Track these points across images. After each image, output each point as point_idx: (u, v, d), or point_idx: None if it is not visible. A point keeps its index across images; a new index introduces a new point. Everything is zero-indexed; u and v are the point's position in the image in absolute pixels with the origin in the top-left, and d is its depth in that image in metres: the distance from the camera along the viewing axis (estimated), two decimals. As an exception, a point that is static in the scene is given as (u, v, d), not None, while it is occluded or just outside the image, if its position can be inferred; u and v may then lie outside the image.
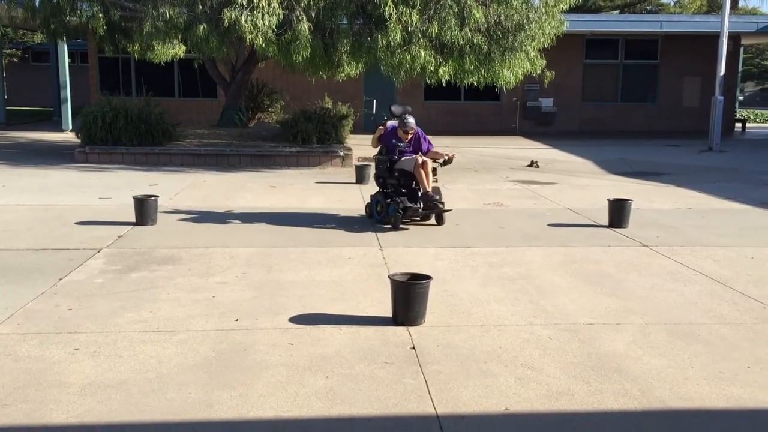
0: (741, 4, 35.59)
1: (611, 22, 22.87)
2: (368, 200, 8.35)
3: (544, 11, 12.32)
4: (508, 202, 9.39)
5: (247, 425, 3.21)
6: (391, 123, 7.98)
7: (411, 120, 7.78)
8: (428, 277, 4.61)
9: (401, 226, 7.49)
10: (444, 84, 12.76)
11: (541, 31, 12.29)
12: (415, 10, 11.38)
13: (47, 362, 3.85)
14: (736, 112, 26.06)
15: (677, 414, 3.39)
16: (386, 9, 11.20)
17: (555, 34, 12.75)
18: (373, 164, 11.86)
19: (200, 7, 11.71)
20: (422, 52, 11.54)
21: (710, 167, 13.61)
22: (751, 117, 30.15)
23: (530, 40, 12.29)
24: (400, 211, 7.45)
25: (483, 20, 11.75)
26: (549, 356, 4.04)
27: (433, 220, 7.75)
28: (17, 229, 7.19)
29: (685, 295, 5.29)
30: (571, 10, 13.95)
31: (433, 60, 11.78)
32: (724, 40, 16.88)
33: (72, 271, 5.65)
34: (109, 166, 12.58)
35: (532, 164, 13.62)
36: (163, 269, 5.78)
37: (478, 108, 22.18)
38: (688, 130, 21.90)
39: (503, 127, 21.93)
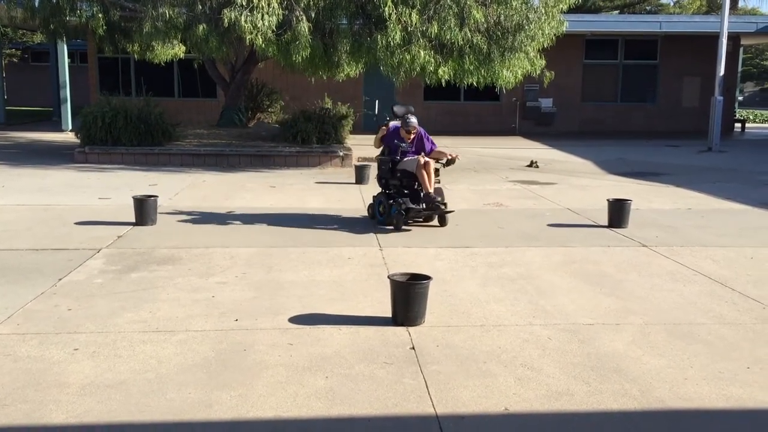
0: (740, 4, 35.61)
1: (611, 23, 22.89)
2: (368, 200, 8.36)
3: (543, 11, 12.33)
4: (507, 203, 9.39)
5: (246, 425, 3.21)
6: (393, 123, 7.92)
7: (413, 120, 7.72)
8: (428, 278, 4.61)
9: (403, 227, 7.45)
10: (444, 84, 12.77)
11: (540, 31, 12.29)
12: (414, 11, 11.38)
13: (47, 362, 3.85)
14: (735, 112, 26.06)
15: (677, 414, 3.40)
16: (386, 9, 11.20)
17: (554, 35, 12.75)
18: (372, 164, 11.90)
19: (200, 7, 11.70)
20: (422, 52, 11.55)
21: (710, 167, 13.61)
22: (751, 117, 30.15)
23: (530, 41, 12.29)
24: (403, 212, 7.41)
25: (483, 20, 11.76)
26: (548, 356, 4.04)
27: (435, 221, 7.70)
28: (17, 229, 7.19)
29: (685, 295, 5.29)
30: (571, 10, 13.94)
31: (432, 60, 11.78)
32: (724, 41, 16.89)
33: (71, 272, 5.65)
34: (109, 166, 12.58)
35: (532, 164, 13.62)
36: (162, 269, 5.78)
37: (478, 108, 22.18)
38: (688, 131, 21.91)
39: (503, 127, 21.93)
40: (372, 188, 10.38)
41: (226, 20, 11.03)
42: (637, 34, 21.99)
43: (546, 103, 21.70)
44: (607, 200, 7.97)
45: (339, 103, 14.52)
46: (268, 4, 11.14)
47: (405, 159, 7.72)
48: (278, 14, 11.29)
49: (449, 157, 7.76)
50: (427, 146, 7.87)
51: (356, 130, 16.25)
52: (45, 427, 3.17)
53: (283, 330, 4.41)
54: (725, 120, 20.49)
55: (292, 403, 3.42)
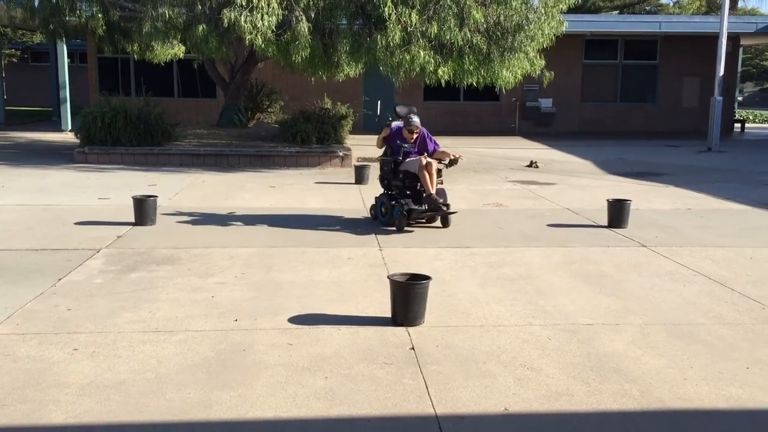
0: (740, 4, 35.60)
1: (610, 23, 22.89)
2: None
3: (543, 12, 12.33)
4: (507, 203, 9.39)
5: (246, 425, 3.21)
6: (396, 123, 7.86)
7: (416, 119, 7.65)
8: (427, 278, 4.61)
9: (406, 228, 7.40)
10: (443, 84, 12.77)
11: (540, 31, 12.30)
12: (414, 11, 11.38)
13: (46, 362, 3.85)
14: (735, 112, 26.07)
15: (676, 414, 3.40)
16: (386, 9, 11.20)
17: (554, 35, 12.76)
18: (372, 164, 11.91)
19: (199, 7, 11.70)
20: (421, 53, 11.55)
21: (709, 168, 13.61)
22: (750, 117, 30.16)
23: (529, 41, 12.30)
24: (405, 213, 7.35)
25: (482, 21, 11.76)
26: (548, 356, 4.04)
27: (438, 222, 7.64)
28: (16, 230, 7.19)
29: (685, 295, 5.29)
30: (571, 10, 13.95)
31: (432, 60, 11.78)
32: (723, 41, 16.90)
33: (71, 272, 5.65)
34: (109, 166, 12.58)
35: (532, 164, 13.63)
36: (162, 269, 5.77)
37: (478, 108, 22.19)
38: (688, 131, 21.92)
39: (502, 127, 21.94)
40: (371, 188, 10.38)
41: (225, 20, 11.03)
42: (636, 35, 21.99)
43: (546, 103, 21.71)
44: (607, 200, 7.97)
45: (339, 104, 14.52)
46: (268, 5, 11.14)
47: (407, 160, 7.65)
48: (278, 14, 11.29)
49: (452, 158, 7.69)
50: (430, 146, 7.80)
51: (356, 130, 16.25)
52: (44, 427, 3.17)
53: (283, 330, 4.41)
54: (725, 120, 20.50)
55: (292, 403, 3.42)
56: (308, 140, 13.52)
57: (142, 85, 19.21)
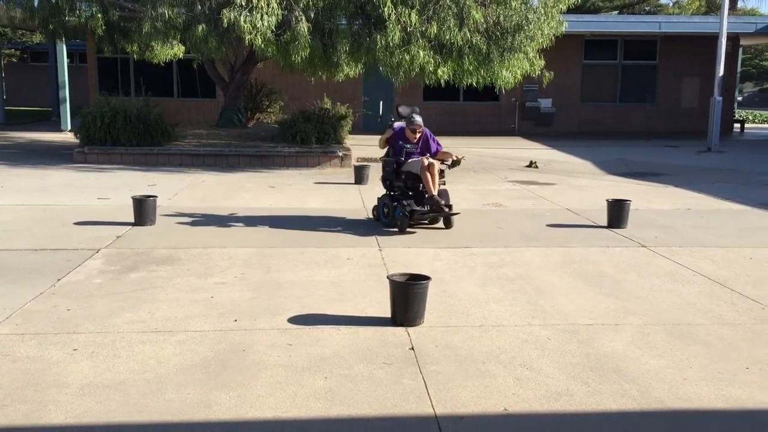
0: (740, 4, 35.61)
1: (610, 23, 22.90)
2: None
3: (543, 12, 12.34)
4: (507, 203, 9.39)
5: (245, 426, 3.21)
6: (398, 124, 7.80)
7: (418, 118, 7.59)
8: (427, 278, 4.61)
9: (408, 229, 7.35)
10: (443, 84, 12.77)
11: (540, 31, 12.30)
12: (414, 11, 11.38)
13: (46, 363, 3.85)
14: (734, 112, 26.09)
15: (676, 414, 3.40)
16: (385, 9, 11.20)
17: (554, 35, 12.76)
18: (372, 164, 11.90)
19: (199, 7, 11.70)
20: (421, 53, 11.55)
21: (709, 168, 13.62)
22: (750, 118, 30.18)
23: (529, 41, 12.30)
24: (407, 214, 7.29)
25: (482, 21, 11.76)
26: (548, 357, 4.04)
27: (441, 224, 7.59)
28: (16, 230, 7.19)
29: (684, 295, 5.29)
30: (570, 10, 13.96)
31: (432, 60, 11.78)
32: (723, 41, 16.90)
33: (70, 272, 5.65)
34: (108, 166, 12.58)
35: (531, 165, 13.63)
36: (161, 269, 5.77)
37: (477, 108, 22.19)
38: (687, 131, 21.93)
39: (502, 127, 21.94)
40: (371, 188, 10.39)
41: (225, 20, 11.03)
42: (636, 35, 22.00)
43: (545, 103, 21.71)
44: (607, 200, 7.97)
45: (338, 104, 14.52)
46: (268, 5, 11.14)
47: (409, 160, 7.60)
48: (277, 14, 11.29)
49: (455, 159, 7.64)
50: (433, 147, 7.74)
51: (355, 130, 16.25)
52: (44, 427, 3.17)
53: (282, 330, 4.40)
54: (724, 120, 20.52)
55: (291, 403, 3.42)
56: (308, 140, 13.52)
57: (141, 85, 19.20)
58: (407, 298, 4.47)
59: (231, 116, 15.97)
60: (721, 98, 17.16)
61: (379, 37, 11.40)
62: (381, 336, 4.32)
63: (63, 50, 19.41)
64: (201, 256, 6.21)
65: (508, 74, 12.46)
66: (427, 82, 12.76)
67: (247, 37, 11.26)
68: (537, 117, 21.77)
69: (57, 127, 19.77)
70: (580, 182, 11.55)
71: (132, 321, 4.53)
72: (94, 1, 13.06)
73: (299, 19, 11.39)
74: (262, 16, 11.06)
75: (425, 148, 7.72)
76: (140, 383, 3.61)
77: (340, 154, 13.16)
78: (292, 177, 11.77)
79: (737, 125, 24.74)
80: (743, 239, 7.30)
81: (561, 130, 21.89)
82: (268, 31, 11.23)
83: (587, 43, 22.17)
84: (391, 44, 11.36)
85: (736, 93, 28.94)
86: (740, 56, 26.60)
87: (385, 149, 7.95)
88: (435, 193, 7.31)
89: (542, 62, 12.90)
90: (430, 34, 11.45)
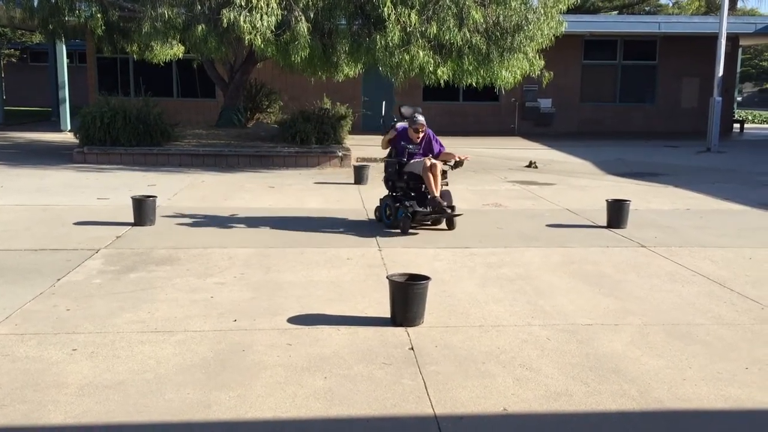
0: (739, 5, 35.63)
1: (610, 23, 22.91)
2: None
3: (542, 12, 12.34)
4: (506, 203, 9.39)
5: (245, 426, 3.21)
6: (401, 124, 7.75)
7: (421, 118, 7.54)
8: (427, 278, 4.61)
9: (410, 230, 7.31)
10: (442, 84, 12.78)
11: (539, 31, 12.30)
12: (413, 11, 11.38)
13: (45, 363, 3.85)
14: (734, 113, 26.10)
15: (675, 415, 3.40)
16: (385, 9, 11.20)
17: (553, 35, 12.76)
18: (371, 165, 11.90)
19: (199, 7, 11.70)
20: (421, 53, 11.55)
21: (708, 168, 13.62)
22: (750, 118, 30.20)
23: (529, 41, 12.30)
24: (409, 215, 7.25)
25: (482, 21, 11.76)
26: (547, 357, 4.05)
27: (444, 225, 7.54)
28: (15, 230, 7.19)
29: (684, 295, 5.29)
30: (570, 10, 13.96)
31: (431, 60, 11.79)
32: (723, 41, 16.91)
33: (70, 272, 5.65)
34: (108, 166, 12.58)
35: (531, 165, 13.63)
36: (161, 270, 5.77)
37: (477, 108, 22.19)
38: (687, 131, 21.94)
39: (502, 127, 21.95)
40: (371, 188, 10.39)
41: (225, 20, 11.03)
42: (635, 35, 22.01)
43: (545, 103, 21.72)
44: (606, 201, 7.97)
45: (338, 104, 14.53)
46: (267, 5, 11.14)
47: (412, 161, 7.56)
48: (277, 14, 11.29)
49: (458, 159, 7.59)
50: (435, 148, 7.68)
51: (355, 130, 16.25)
52: (43, 427, 3.17)
53: (282, 330, 4.40)
54: (724, 121, 20.53)
55: (291, 403, 3.42)
56: (307, 140, 13.52)
57: (141, 85, 19.20)
58: (407, 299, 4.47)
59: (230, 116, 15.97)
60: (720, 98, 17.17)
61: (378, 37, 11.40)
62: (380, 336, 4.32)
63: (62, 50, 19.41)
64: (200, 257, 6.21)
65: (508, 74, 12.47)
66: (427, 83, 12.76)
67: (247, 37, 11.26)
68: (537, 117, 21.78)
69: (56, 127, 19.77)
70: (579, 182, 11.55)
71: (131, 321, 4.53)
72: (93, 1, 13.06)
73: (299, 19, 11.39)
74: (261, 16, 11.06)
75: (428, 149, 7.67)
76: (140, 383, 3.61)
77: (340, 154, 13.16)
78: (292, 177, 11.77)
79: (737, 125, 24.75)
80: (743, 239, 7.30)
81: (560, 130, 21.89)
82: (268, 31, 11.23)
83: (587, 44, 22.18)
84: (390, 44, 11.36)
85: (736, 93, 28.95)
86: (740, 56, 26.61)
87: (388, 150, 7.91)
88: (437, 194, 7.27)
89: (542, 62, 12.90)
90: (430, 34, 11.45)
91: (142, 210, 7.46)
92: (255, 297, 5.08)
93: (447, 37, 11.50)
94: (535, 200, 9.66)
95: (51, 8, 13.34)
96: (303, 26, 11.35)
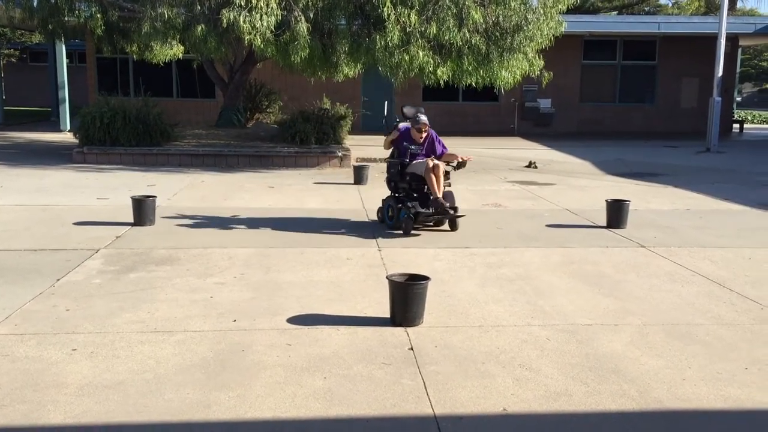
0: (739, 5, 35.64)
1: (609, 23, 22.91)
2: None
3: (542, 12, 12.34)
4: (506, 203, 9.39)
5: (245, 426, 3.21)
6: (403, 125, 7.70)
7: (423, 117, 7.49)
8: (426, 278, 4.61)
9: (413, 231, 7.27)
10: (442, 85, 12.78)
11: (539, 32, 12.30)
12: (413, 11, 11.38)
13: (45, 363, 3.85)
14: (733, 113, 26.11)
15: (675, 415, 3.40)
16: (385, 9, 11.20)
17: (553, 35, 12.76)
18: (371, 165, 11.90)
19: (198, 7, 11.71)
20: (420, 53, 11.55)
21: (708, 168, 13.63)
22: (749, 118, 30.21)
23: (528, 41, 12.30)
24: (412, 216, 7.20)
25: (481, 21, 11.76)
26: (547, 357, 4.05)
27: (446, 226, 7.49)
28: (15, 230, 7.19)
29: (683, 295, 5.29)
30: (569, 11, 13.97)
31: (431, 60, 11.79)
32: (722, 41, 16.91)
33: (70, 272, 5.65)
34: (107, 166, 12.57)
35: (531, 165, 13.63)
36: (161, 270, 5.77)
37: (477, 109, 22.20)
38: (686, 131, 21.94)
39: (501, 127, 21.95)
40: (370, 189, 10.39)
41: (224, 21, 11.03)
42: (635, 35, 22.02)
43: (544, 103, 21.72)
44: (606, 201, 7.97)
45: (338, 104, 14.53)
46: (267, 5, 11.14)
47: (414, 162, 7.51)
48: (277, 15, 11.29)
49: (460, 160, 7.55)
50: (438, 149, 7.63)
51: (355, 130, 16.26)
52: (43, 427, 3.17)
53: (282, 330, 4.41)
54: (723, 121, 20.53)
55: (291, 403, 3.42)
56: (307, 140, 13.52)
57: (141, 85, 19.20)
58: (406, 299, 4.47)
59: (230, 116, 15.97)
60: (720, 98, 17.17)
61: (378, 37, 11.40)
62: (380, 336, 4.32)
63: (62, 50, 19.40)
64: (200, 257, 6.21)
65: (508, 74, 12.47)
66: (427, 83, 12.76)
67: (247, 37, 11.26)
68: (536, 117, 21.78)
69: (56, 128, 19.77)
70: (579, 182, 11.55)
71: (131, 321, 4.53)
72: (93, 1, 13.07)
73: (298, 19, 11.40)
74: (261, 16, 11.06)
75: (430, 150, 7.63)
76: (139, 383, 3.61)
77: (340, 154, 13.16)
78: (292, 177, 11.77)
79: (736, 125, 24.77)
80: (742, 239, 7.30)
81: (560, 130, 21.89)
82: (268, 32, 11.23)
83: (586, 44, 22.19)
84: (390, 44, 11.35)
85: (735, 93, 28.97)
86: (739, 57, 26.62)
87: (390, 150, 7.88)
88: (440, 195, 7.23)
89: (541, 62, 12.90)
90: (430, 34, 11.45)
91: (142, 210, 7.46)
92: (255, 297, 5.08)
93: (447, 38, 11.50)
94: (535, 200, 9.66)
95: (51, 8, 13.34)
96: (303, 26, 11.35)
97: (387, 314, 4.60)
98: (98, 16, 12.69)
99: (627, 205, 7.83)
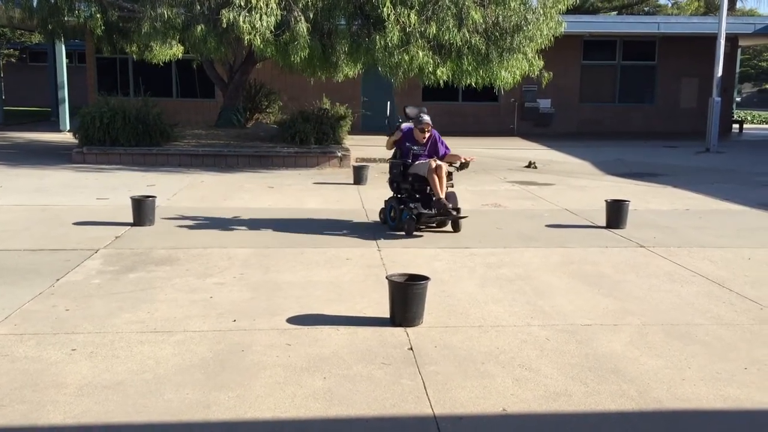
0: (738, 5, 35.66)
1: (609, 24, 22.91)
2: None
3: (541, 12, 12.34)
4: (506, 203, 9.40)
5: (244, 426, 3.21)
6: (406, 125, 7.65)
7: (426, 117, 7.44)
8: (426, 278, 4.61)
9: (415, 232, 7.23)
10: (442, 85, 12.78)
11: (539, 32, 12.30)
12: (413, 11, 11.38)
13: (44, 363, 3.85)
14: (733, 113, 26.11)
15: (674, 415, 3.40)
16: (384, 10, 11.20)
17: (553, 35, 12.76)
18: (371, 165, 11.91)
19: (198, 7, 11.71)
20: (420, 53, 11.55)
21: (708, 168, 13.63)
22: (749, 118, 30.21)
23: (528, 41, 12.30)
24: (414, 217, 7.16)
25: (481, 21, 11.77)
26: (546, 357, 4.05)
27: (449, 227, 7.45)
28: (15, 230, 7.18)
29: (683, 295, 5.29)
30: (569, 11, 13.97)
31: (431, 61, 11.79)
32: (722, 42, 16.92)
33: (69, 272, 5.65)
34: (107, 166, 12.57)
35: (530, 165, 13.64)
36: (160, 270, 5.77)
37: (476, 109, 22.20)
38: (686, 131, 21.95)
39: (501, 127, 21.95)
40: (370, 189, 10.40)
41: (224, 21, 11.03)
42: (635, 35, 22.02)
43: (544, 103, 21.72)
44: (605, 201, 7.97)
45: (337, 104, 14.53)
46: (267, 5, 11.14)
47: (417, 162, 7.47)
48: (276, 15, 11.29)
49: (463, 161, 7.51)
50: (441, 150, 7.59)
51: (354, 130, 16.26)
52: (42, 427, 3.17)
53: (281, 331, 4.41)
54: (723, 121, 20.54)
55: (290, 403, 3.42)
56: (307, 141, 13.52)
57: (140, 86, 19.20)
58: (406, 299, 4.47)
59: (230, 116, 15.97)
60: (719, 99, 17.18)
61: (378, 37, 11.40)
62: (380, 336, 4.32)
63: (62, 50, 19.40)
64: (200, 257, 6.21)
65: (507, 75, 12.47)
66: (426, 83, 12.76)
67: (246, 37, 11.26)
68: (536, 117, 21.79)
69: (56, 128, 19.76)
70: (579, 183, 11.55)
71: (131, 321, 4.53)
72: (93, 1, 13.06)
73: (298, 19, 11.40)
74: (261, 16, 11.06)
75: (433, 151, 7.58)
76: (139, 383, 3.61)
77: (339, 154, 13.16)
78: (291, 177, 11.77)
79: (736, 126, 24.77)
80: (742, 240, 7.30)
81: (560, 130, 21.90)
82: (267, 32, 11.23)
83: (586, 44, 22.19)
84: (390, 45, 11.35)
85: (735, 93, 28.98)
86: (739, 57, 26.63)
87: (392, 151, 7.83)
88: (442, 195, 7.17)
89: (541, 63, 12.91)
90: (429, 34, 11.45)
91: (142, 210, 7.46)
92: (254, 297, 5.08)
93: (446, 38, 11.50)
94: (535, 200, 9.66)
95: (50, 8, 13.34)
96: (302, 26, 11.35)
97: (387, 314, 4.60)
98: (98, 16, 12.69)
99: (626, 205, 7.83)
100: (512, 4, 11.94)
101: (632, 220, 7.95)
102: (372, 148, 14.87)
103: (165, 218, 7.88)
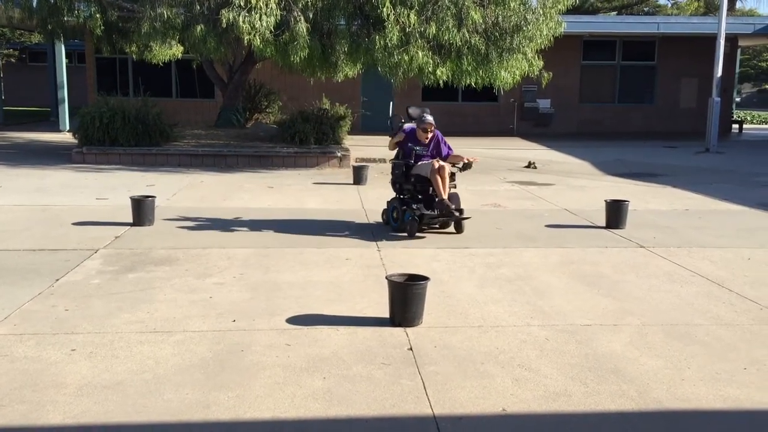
0: (738, 5, 35.68)
1: (608, 24, 22.91)
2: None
3: (541, 12, 12.34)
4: (505, 203, 9.40)
5: (244, 426, 3.21)
6: (408, 125, 7.62)
7: (429, 117, 7.40)
8: (426, 278, 4.61)
9: (418, 233, 7.19)
10: (442, 85, 12.78)
11: (538, 32, 12.31)
12: (413, 11, 11.38)
13: (44, 363, 3.85)
14: (733, 113, 26.12)
15: (674, 415, 3.40)
16: (384, 10, 11.20)
17: (552, 36, 12.77)
18: (370, 165, 11.91)
19: (198, 7, 11.71)
20: (420, 53, 11.55)
21: (707, 168, 13.63)
22: (748, 118, 30.22)
23: (528, 42, 12.31)
24: (416, 218, 7.11)
25: (481, 21, 11.77)
26: (546, 357, 4.05)
27: (452, 228, 7.41)
28: (14, 230, 7.18)
29: (682, 296, 5.29)
30: (569, 11, 13.97)
31: (430, 61, 11.79)
32: (721, 42, 16.92)
33: (69, 272, 5.64)
34: (107, 166, 12.57)
35: (530, 165, 13.64)
36: (160, 270, 5.77)
37: (476, 109, 22.20)
38: (686, 132, 21.95)
39: (501, 128, 21.95)
40: (370, 189, 10.40)
41: (224, 21, 11.03)
42: (634, 36, 22.02)
43: (544, 104, 21.72)
44: (605, 201, 7.98)
45: (337, 104, 14.53)
46: (266, 5, 11.14)
47: (419, 163, 7.42)
48: (276, 15, 11.29)
49: (466, 161, 7.46)
50: (444, 150, 7.55)
51: (354, 130, 16.25)
52: (42, 427, 3.16)
53: (281, 331, 4.40)
54: (723, 121, 20.54)
55: (290, 403, 3.42)
56: (306, 141, 13.52)
57: (140, 86, 19.19)
58: (406, 299, 4.47)
59: (230, 116, 15.97)
60: (719, 99, 17.18)
61: (377, 37, 11.41)
62: (379, 336, 4.32)
63: (61, 50, 19.39)
64: (199, 257, 6.21)
65: (507, 75, 12.47)
66: (426, 83, 12.76)
67: (246, 37, 11.26)
68: (536, 117, 21.79)
69: (55, 128, 19.76)
70: (578, 183, 11.55)
71: (130, 321, 4.53)
72: (92, 1, 13.06)
73: (298, 19, 11.40)
74: (260, 16, 11.06)
75: (436, 151, 7.54)
76: (138, 384, 3.61)
77: (339, 154, 13.16)
78: (291, 177, 11.77)
79: (735, 126, 24.78)
80: (741, 240, 7.30)
81: (560, 130, 21.90)
82: (267, 32, 11.23)
83: (586, 44, 22.19)
84: (389, 45, 11.35)
85: (735, 94, 28.99)
86: (738, 57, 26.63)
87: (395, 151, 7.80)
88: (445, 196, 7.13)
89: (541, 63, 12.91)
90: (429, 34, 11.46)
91: (141, 210, 7.46)
92: (254, 297, 5.08)
93: (446, 38, 11.50)
94: (534, 201, 9.67)
95: (50, 8, 13.34)
96: (302, 26, 11.35)
97: (386, 314, 4.60)
98: (97, 16, 12.69)
99: (626, 205, 7.83)
100: (512, 5, 11.94)
101: (632, 220, 7.95)
102: (372, 148, 14.87)
103: (165, 218, 7.88)
